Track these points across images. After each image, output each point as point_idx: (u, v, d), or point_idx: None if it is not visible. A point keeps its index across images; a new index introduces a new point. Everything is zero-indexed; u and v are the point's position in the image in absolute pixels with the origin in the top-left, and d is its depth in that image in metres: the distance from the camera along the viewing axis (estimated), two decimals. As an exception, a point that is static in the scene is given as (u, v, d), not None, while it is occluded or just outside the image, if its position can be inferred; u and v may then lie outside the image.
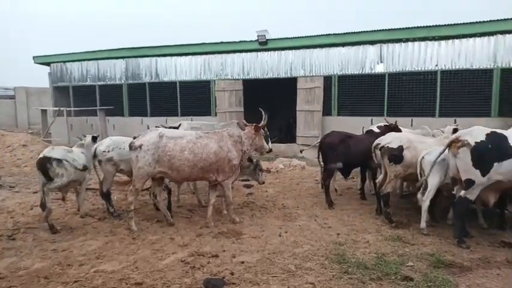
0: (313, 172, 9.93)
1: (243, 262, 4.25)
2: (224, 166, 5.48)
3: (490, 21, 11.07)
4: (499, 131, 4.89)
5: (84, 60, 16.81)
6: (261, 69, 14.15)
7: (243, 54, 14.30)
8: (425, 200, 5.22)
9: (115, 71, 16.41)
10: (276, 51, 13.86)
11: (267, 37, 13.54)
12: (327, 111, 13.18)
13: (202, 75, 15.00)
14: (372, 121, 11.75)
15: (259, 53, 14.09)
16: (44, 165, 5.13)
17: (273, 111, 17.65)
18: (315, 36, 13.22)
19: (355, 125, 11.57)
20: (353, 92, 12.88)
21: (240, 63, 14.40)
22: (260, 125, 5.90)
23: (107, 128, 15.74)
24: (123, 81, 16.25)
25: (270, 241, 4.94)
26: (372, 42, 12.47)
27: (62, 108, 15.81)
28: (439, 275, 3.88)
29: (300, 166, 10.74)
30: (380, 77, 12.53)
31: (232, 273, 3.95)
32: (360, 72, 12.75)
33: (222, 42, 14.43)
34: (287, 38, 13.53)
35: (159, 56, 15.52)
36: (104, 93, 16.63)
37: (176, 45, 15.14)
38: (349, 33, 12.77)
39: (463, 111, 11.32)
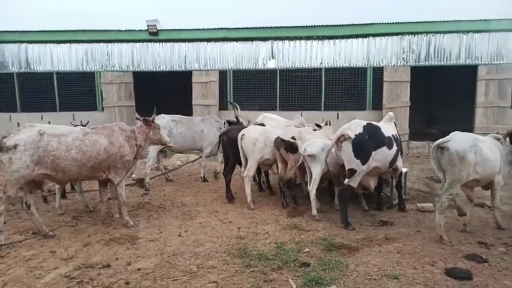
0: (212, 167, 9.82)
1: (139, 269, 3.91)
2: (116, 163, 5.07)
3: (364, 24, 12.45)
4: (374, 122, 5.49)
5: None
6: (152, 61, 13.42)
7: (132, 44, 13.36)
8: (311, 189, 5.58)
9: (-30, 58, 13.72)
10: (169, 43, 13.31)
11: (158, 27, 12.88)
12: (223, 105, 13.21)
13: (85, 66, 13.55)
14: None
15: (150, 43, 13.33)
16: None
17: (169, 106, 17.00)
18: (208, 29, 13.09)
19: (251, 120, 11.81)
20: (248, 87, 13.16)
21: (129, 54, 13.42)
22: (150, 118, 5.63)
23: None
24: (-18, 71, 13.69)
25: (169, 243, 4.66)
26: (264, 39, 12.89)
27: None
28: (332, 257, 4.15)
29: (198, 161, 10.51)
30: (272, 72, 13.05)
31: (127, 283, 3.59)
32: (254, 67, 13.09)
33: (106, 30, 13.23)
34: (180, 30, 13.10)
35: (29, 42, 13.46)
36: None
37: (51, 31, 13.38)
38: (242, 28, 12.97)
39: (344, 105, 12.56)
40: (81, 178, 5.15)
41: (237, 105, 8.31)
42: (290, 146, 5.94)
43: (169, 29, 13.16)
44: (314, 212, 5.61)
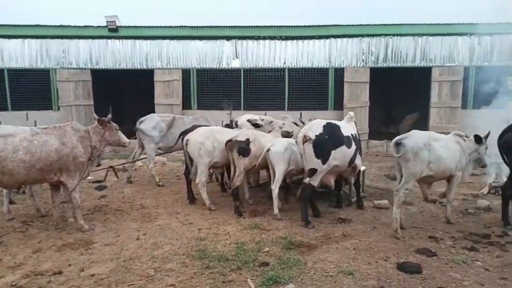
0: (174, 168, 9.67)
1: (93, 275, 3.77)
2: (69, 164, 4.84)
3: (326, 26, 12.73)
4: (333, 121, 5.62)
5: None
6: (112, 59, 12.99)
7: (90, 41, 12.85)
8: (274, 189, 5.62)
9: None
10: (130, 40, 12.94)
11: (118, 24, 12.48)
12: (186, 105, 13.03)
13: (39, 63, 12.87)
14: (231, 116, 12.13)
15: (109, 40, 12.89)
16: None
17: (130, 105, 16.53)
18: (171, 27, 12.86)
19: (214, 119, 11.74)
20: (212, 86, 13.06)
21: (86, 51, 12.90)
22: (105, 118, 5.42)
23: None
24: None
25: (126, 246, 4.53)
26: (228, 38, 12.84)
27: None
28: (291, 256, 4.20)
29: (160, 162, 10.31)
30: (236, 72, 13.03)
31: (79, 290, 3.45)
32: (218, 66, 13.01)
33: (62, 26, 12.64)
34: (141, 27, 12.78)
35: (-24, 36, 12.62)
36: None
37: (2, 25, 12.58)
38: (205, 26, 12.86)
39: (307, 105, 12.76)
40: (31, 181, 4.88)
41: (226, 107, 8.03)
42: (243, 149, 5.76)
43: (130, 26, 12.79)
44: (276, 211, 5.65)
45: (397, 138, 5.01)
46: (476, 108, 12.41)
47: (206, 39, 12.86)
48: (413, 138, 4.91)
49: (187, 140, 6.12)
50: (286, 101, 13.03)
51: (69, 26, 12.64)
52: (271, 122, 6.97)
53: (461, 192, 7.23)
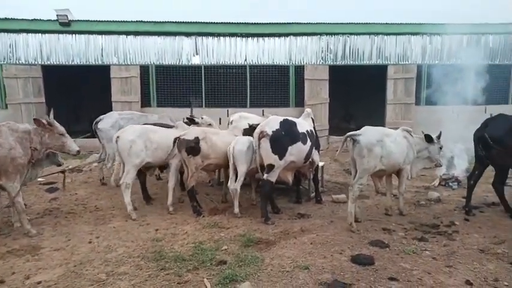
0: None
1: (39, 282, 3.56)
2: (7, 166, 4.53)
3: (286, 23, 12.83)
4: (290, 118, 5.66)
5: None
6: (65, 54, 12.35)
7: (40, 35, 12.15)
8: (236, 187, 5.59)
9: None
10: (83, 35, 12.35)
11: (70, 18, 11.88)
12: (145, 102, 12.67)
13: (-17, 58, 12.00)
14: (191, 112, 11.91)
15: (61, 35, 12.23)
16: None
17: (86, 103, 15.83)
18: (128, 21, 12.43)
19: (175, 117, 11.49)
20: (172, 83, 12.77)
21: (36, 46, 12.17)
22: (42, 119, 4.96)
23: None
24: None
25: (77, 251, 4.32)
26: (187, 34, 12.60)
27: None
28: (248, 253, 4.19)
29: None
30: (197, 68, 12.83)
31: (23, 300, 3.25)
32: (178, 63, 12.74)
33: (8, 19, 11.85)
34: (95, 21, 12.24)
35: None
36: None
37: None
38: (164, 22, 12.55)
39: (269, 102, 12.82)
40: None
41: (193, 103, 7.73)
42: (191, 148, 5.50)
43: (83, 20, 12.22)
44: (236, 209, 5.61)
45: (350, 133, 5.15)
46: (429, 104, 13.06)
47: (165, 35, 12.54)
48: (367, 135, 5.05)
49: (118, 137, 5.63)
50: (248, 98, 13.02)
51: (16, 19, 11.88)
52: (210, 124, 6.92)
53: (414, 184, 7.57)
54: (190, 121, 6.83)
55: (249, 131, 6.36)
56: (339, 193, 6.86)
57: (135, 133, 5.65)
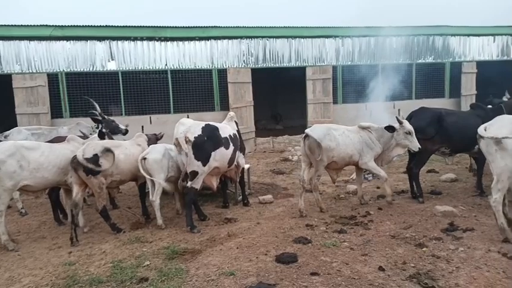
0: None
1: None
2: None
3: (206, 27, 12.75)
4: (212, 123, 5.59)
5: None
6: (-47, 63, 10.80)
7: None
8: (155, 199, 5.35)
9: None
10: (-24, 41, 10.93)
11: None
12: (56, 113, 11.60)
13: None
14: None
15: None
16: None
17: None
18: (31, 26, 11.31)
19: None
20: (86, 91, 11.85)
21: None
22: None
23: None
24: None
25: (-30, 288, 3.76)
26: (100, 39, 11.83)
27: None
28: (172, 266, 4.02)
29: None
30: (113, 74, 12.10)
31: None
32: (91, 69, 11.89)
33: None
34: (-10, 25, 10.91)
35: None
36: None
37: None
38: (74, 26, 11.68)
39: (193, 107, 12.58)
40: None
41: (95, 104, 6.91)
42: (89, 169, 4.83)
43: (-25, 24, 10.83)
44: (159, 221, 5.38)
45: (305, 131, 5.65)
46: (345, 103, 13.96)
47: (74, 40, 11.60)
48: (316, 130, 5.56)
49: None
50: (172, 103, 12.64)
51: None
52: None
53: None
54: (95, 121, 6.54)
55: None
56: (266, 194, 6.96)
57: (5, 152, 4.65)
